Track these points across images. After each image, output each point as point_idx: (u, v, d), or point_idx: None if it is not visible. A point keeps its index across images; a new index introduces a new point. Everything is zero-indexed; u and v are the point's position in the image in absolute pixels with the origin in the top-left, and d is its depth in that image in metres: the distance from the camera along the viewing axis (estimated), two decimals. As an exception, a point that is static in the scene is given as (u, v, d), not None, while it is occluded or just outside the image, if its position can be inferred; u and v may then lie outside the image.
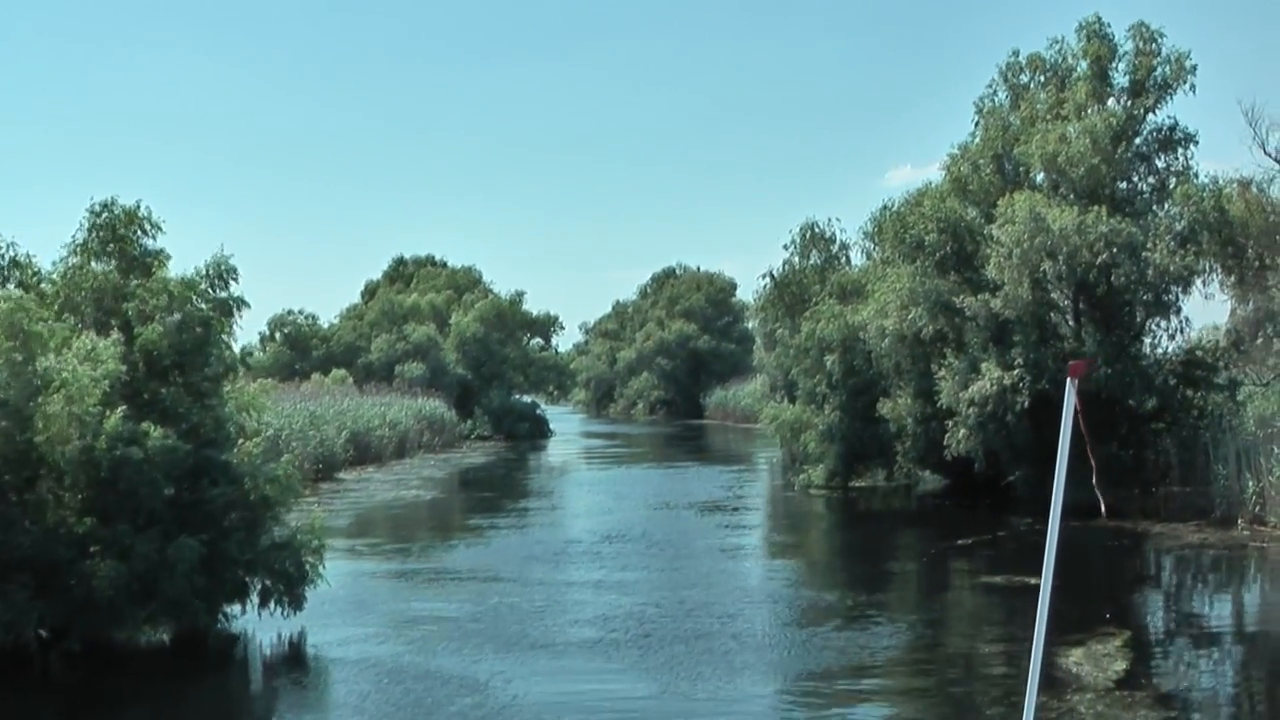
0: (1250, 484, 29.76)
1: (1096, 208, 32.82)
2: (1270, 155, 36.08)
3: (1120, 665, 16.32)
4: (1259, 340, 35.79)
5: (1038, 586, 19.76)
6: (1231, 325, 37.65)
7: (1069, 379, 7.14)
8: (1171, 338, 35.23)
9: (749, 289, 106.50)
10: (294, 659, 18.77)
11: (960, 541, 28.46)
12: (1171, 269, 32.28)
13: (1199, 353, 35.28)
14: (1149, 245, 32.59)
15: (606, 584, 23.60)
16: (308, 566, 19.37)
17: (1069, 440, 7.03)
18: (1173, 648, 19.22)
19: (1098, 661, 16.37)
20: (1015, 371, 32.87)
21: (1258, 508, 29.63)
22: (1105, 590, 24.09)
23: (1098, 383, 32.47)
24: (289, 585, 19.16)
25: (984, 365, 33.38)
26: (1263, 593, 24.74)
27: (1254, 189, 35.95)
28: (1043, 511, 23.27)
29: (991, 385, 32.68)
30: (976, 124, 38.26)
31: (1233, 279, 36.48)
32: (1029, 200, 32.99)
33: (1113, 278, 33.37)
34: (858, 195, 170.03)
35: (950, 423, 34.16)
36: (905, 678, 17.40)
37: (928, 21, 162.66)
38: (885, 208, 41.58)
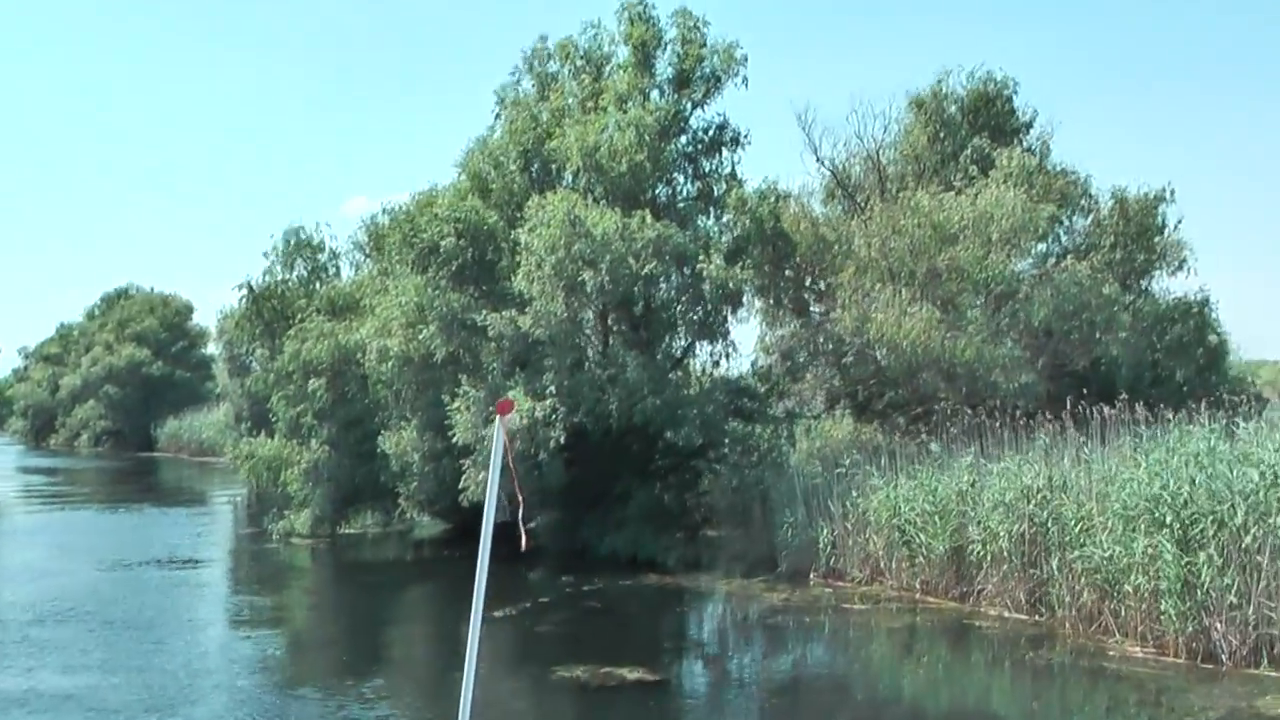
0: (824, 532, 25.75)
1: (640, 212, 28.30)
2: (822, 163, 32.83)
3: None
4: (800, 366, 32.35)
5: (638, 683, 14.64)
6: (758, 351, 34.01)
7: (498, 416, 7.25)
8: (716, 364, 31.18)
9: (208, 313, 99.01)
10: None
11: (499, 612, 22.75)
12: (730, 284, 28.07)
13: (748, 381, 31.38)
14: (701, 257, 28.31)
15: (43, 697, 16.58)
16: None
17: (498, 478, 6.99)
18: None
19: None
20: (548, 402, 27.79)
21: (832, 560, 25.67)
22: (716, 685, 19.28)
23: (643, 414, 27.90)
24: None
25: (512, 394, 28.10)
26: (908, 674, 20.18)
27: (794, 202, 32.70)
28: (584, 567, 17.87)
29: (523, 418, 27.43)
30: (498, 116, 33.13)
31: (769, 300, 33.04)
32: (566, 200, 28.06)
33: (660, 293, 29.01)
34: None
35: (468, 462, 28.64)
36: None
37: (384, 48, 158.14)
38: (384, 211, 35.88)
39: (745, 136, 31.09)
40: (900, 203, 29.85)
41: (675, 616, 24.57)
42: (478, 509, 28.39)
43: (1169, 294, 33.02)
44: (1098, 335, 29.45)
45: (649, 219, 27.94)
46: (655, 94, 30.67)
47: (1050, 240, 30.57)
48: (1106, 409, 22.93)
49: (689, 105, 30.68)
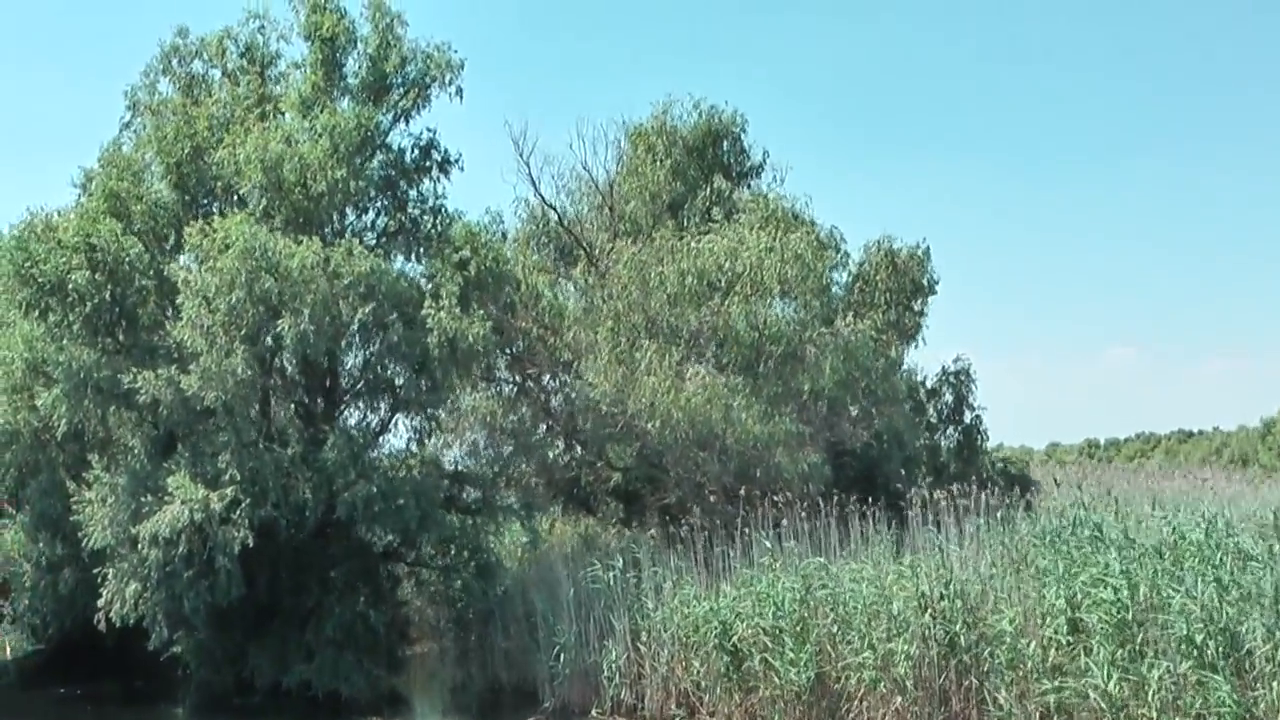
0: (611, 654, 19.82)
1: (346, 242, 21.96)
2: (542, 197, 27.23)
3: None
4: (534, 446, 26.49)
5: None
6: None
7: None
8: (420, 441, 24.68)
9: None
10: None
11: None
12: (470, 339, 21.89)
13: (467, 465, 25.23)
14: (429, 303, 22.14)
15: None
16: None
17: None
18: None
19: None
20: (227, 490, 20.78)
21: (624, 692, 19.76)
22: None
23: (349, 506, 21.34)
24: None
25: (172, 480, 20.92)
26: None
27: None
28: (273, 708, 11.58)
29: (193, 513, 20.31)
30: (127, 124, 25.75)
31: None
32: (247, 226, 21.31)
33: (373, 347, 22.70)
34: None
35: (109, 570, 21.31)
36: None
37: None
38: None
39: (458, 161, 24.97)
40: (655, 245, 24.50)
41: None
42: (87, 629, 21.21)
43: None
44: (875, 408, 24.99)
45: (359, 250, 21.68)
46: (346, 101, 24.28)
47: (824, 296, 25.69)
48: (935, 493, 18.52)
49: (388, 117, 24.37)
